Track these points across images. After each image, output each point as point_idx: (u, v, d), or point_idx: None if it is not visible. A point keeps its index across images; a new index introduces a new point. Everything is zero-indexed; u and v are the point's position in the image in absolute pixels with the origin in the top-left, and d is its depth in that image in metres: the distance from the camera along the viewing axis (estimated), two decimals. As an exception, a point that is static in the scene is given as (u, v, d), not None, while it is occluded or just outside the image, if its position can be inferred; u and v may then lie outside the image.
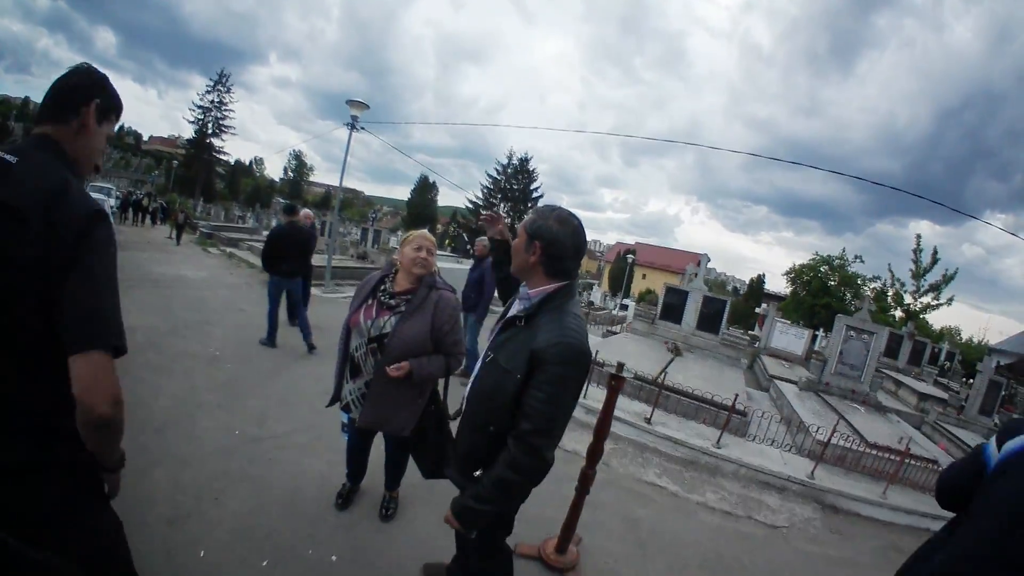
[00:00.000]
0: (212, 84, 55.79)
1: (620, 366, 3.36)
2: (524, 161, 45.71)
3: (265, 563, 2.64)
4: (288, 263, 6.44)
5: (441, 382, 2.80)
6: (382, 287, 2.71)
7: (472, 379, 1.95)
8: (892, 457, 5.79)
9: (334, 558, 2.78)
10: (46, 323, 1.19)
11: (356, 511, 3.24)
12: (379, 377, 2.54)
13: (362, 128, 12.41)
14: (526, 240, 1.80)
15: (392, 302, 2.63)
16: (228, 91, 56.39)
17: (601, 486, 3.85)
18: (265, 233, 14.17)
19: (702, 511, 4.48)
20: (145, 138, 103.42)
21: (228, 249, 17.25)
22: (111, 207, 20.35)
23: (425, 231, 2.75)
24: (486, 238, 6.38)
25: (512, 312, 1.89)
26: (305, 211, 7.70)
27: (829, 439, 5.61)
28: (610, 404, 3.22)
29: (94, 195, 2.10)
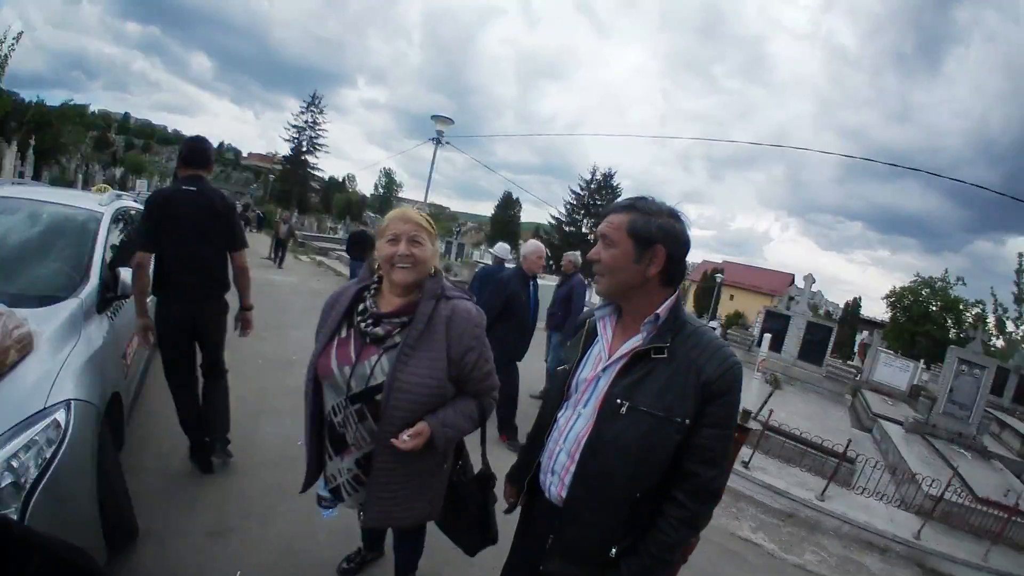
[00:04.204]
0: (305, 105, 58.51)
1: (747, 414, 2.87)
2: (608, 176, 45.04)
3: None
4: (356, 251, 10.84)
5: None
6: (360, 308, 1.77)
7: (590, 436, 1.43)
8: (999, 514, 5.20)
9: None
10: (227, 242, 3.08)
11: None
12: (383, 456, 1.68)
13: (447, 143, 12.55)
14: (635, 247, 1.37)
15: (379, 331, 1.69)
16: (321, 112, 58.99)
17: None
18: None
19: (799, 575, 4.07)
20: (244, 154, 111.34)
21: (318, 257, 18.03)
22: None
23: (405, 208, 1.80)
24: (575, 253, 6.03)
25: (630, 344, 1.43)
26: None
27: (942, 495, 5.15)
28: (730, 464, 2.59)
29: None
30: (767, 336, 5.32)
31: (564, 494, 1.46)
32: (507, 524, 1.95)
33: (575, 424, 1.48)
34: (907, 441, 7.86)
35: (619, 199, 1.50)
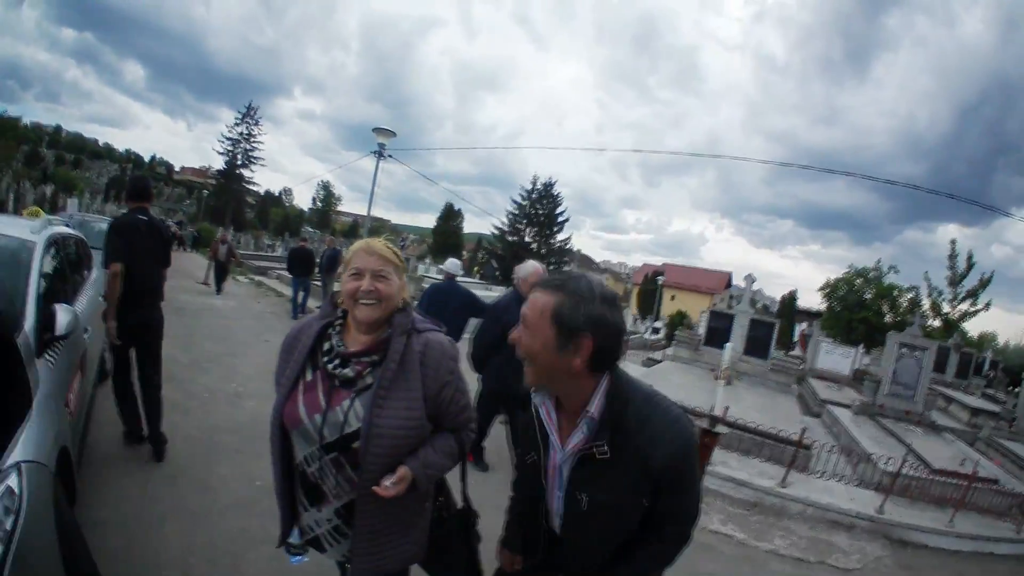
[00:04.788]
0: (240, 116, 56.91)
1: (714, 421, 2.89)
2: (548, 186, 45.34)
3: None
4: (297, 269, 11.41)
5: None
6: (325, 347, 1.63)
7: (561, 526, 1.51)
8: (958, 483, 5.58)
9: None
10: (165, 262, 3.88)
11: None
12: (366, 506, 1.55)
13: (389, 156, 12.36)
14: (557, 336, 1.24)
15: (348, 373, 1.55)
16: (256, 123, 57.53)
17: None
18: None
19: (773, 560, 4.23)
20: (176, 168, 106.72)
21: (257, 277, 17.31)
22: None
23: (370, 240, 1.65)
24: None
25: (575, 442, 1.37)
26: (329, 237, 8.29)
27: (899, 470, 5.38)
28: (700, 467, 2.65)
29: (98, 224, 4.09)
30: (728, 345, 5.44)
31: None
32: (493, 562, 1.89)
33: (556, 504, 1.51)
34: (856, 423, 8.25)
35: (549, 277, 1.35)
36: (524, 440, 1.56)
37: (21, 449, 1.64)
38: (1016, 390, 12.80)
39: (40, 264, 2.65)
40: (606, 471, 1.31)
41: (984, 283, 23.20)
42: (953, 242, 23.84)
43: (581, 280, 1.28)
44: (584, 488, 1.36)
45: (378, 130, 12.00)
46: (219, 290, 13.15)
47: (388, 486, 1.46)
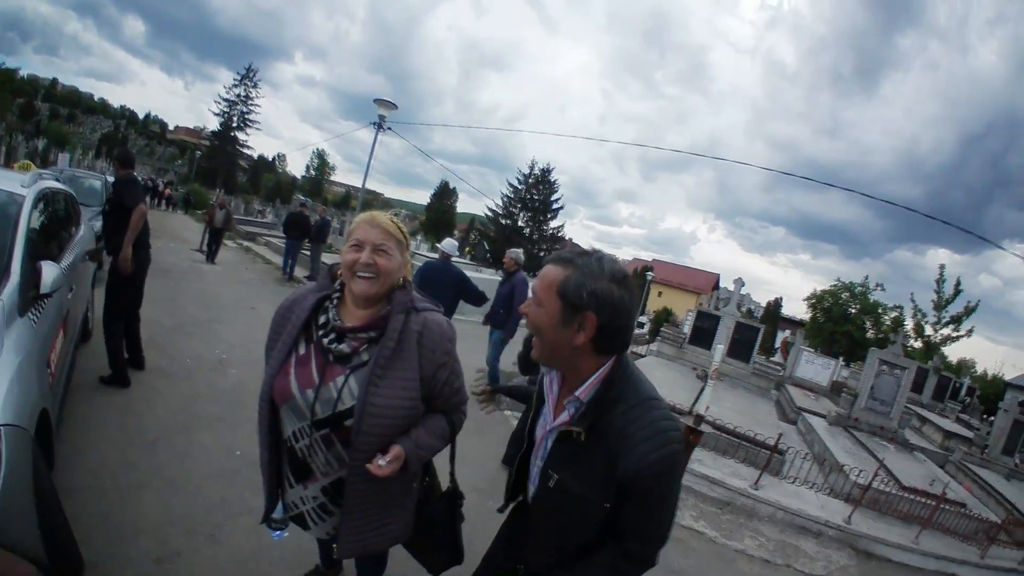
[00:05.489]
0: (239, 78, 56.11)
1: (699, 419, 2.90)
2: (546, 172, 45.15)
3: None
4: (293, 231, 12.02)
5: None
6: (320, 320, 1.57)
7: (532, 497, 1.50)
8: (927, 502, 5.66)
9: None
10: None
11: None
12: (355, 484, 1.53)
13: (388, 128, 12.18)
14: (562, 310, 1.22)
15: (344, 348, 1.50)
16: (255, 86, 56.72)
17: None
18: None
19: (741, 559, 4.31)
20: (171, 127, 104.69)
21: (245, 243, 17.10)
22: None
23: (375, 212, 1.60)
24: (518, 250, 5.88)
25: (560, 419, 1.36)
26: (321, 207, 8.44)
27: (870, 483, 5.55)
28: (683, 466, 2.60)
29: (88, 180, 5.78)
30: (719, 347, 5.44)
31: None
32: (473, 543, 1.94)
33: (533, 474, 1.51)
34: (831, 433, 8.35)
35: (561, 251, 1.31)
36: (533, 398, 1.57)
37: (0, 412, 1.60)
38: (990, 418, 13.04)
39: (28, 219, 2.58)
40: (579, 457, 1.30)
41: (969, 310, 23.47)
42: (942, 267, 24.01)
43: (592, 256, 1.24)
44: (556, 467, 1.35)
45: (379, 101, 11.80)
46: (213, 258, 12.10)
47: (382, 465, 1.43)
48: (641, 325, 25.98)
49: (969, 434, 11.86)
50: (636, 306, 1.26)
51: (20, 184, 2.81)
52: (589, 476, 1.28)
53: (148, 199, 24.54)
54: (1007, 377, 30.15)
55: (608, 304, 1.19)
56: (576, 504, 1.32)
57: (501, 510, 1.73)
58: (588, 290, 1.19)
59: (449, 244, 6.09)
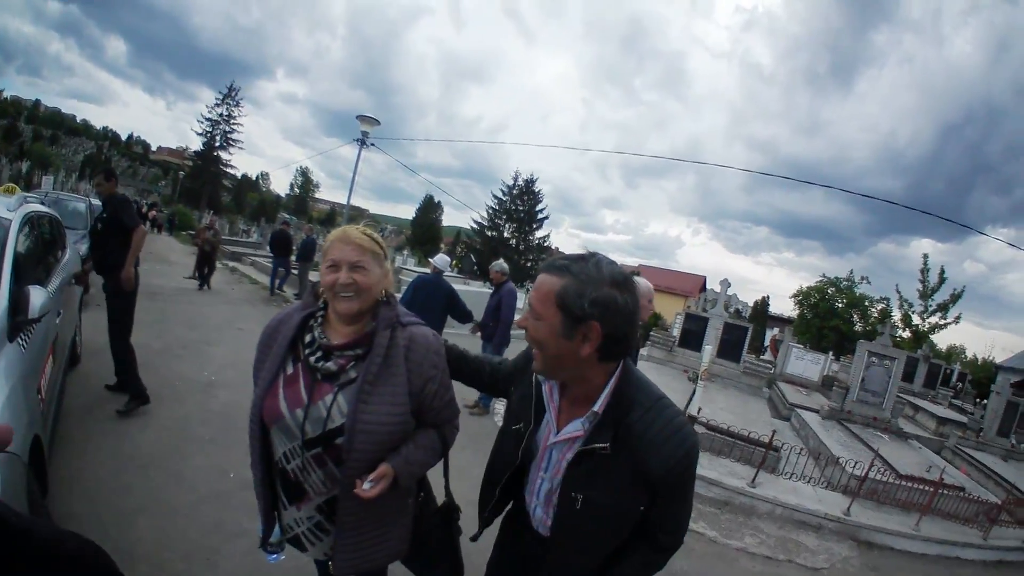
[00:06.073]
0: (221, 97, 55.77)
1: (691, 420, 2.91)
2: (530, 182, 45.16)
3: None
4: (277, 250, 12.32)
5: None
6: (307, 339, 1.57)
7: (552, 524, 1.41)
8: (925, 488, 5.70)
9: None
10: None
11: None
12: (348, 502, 1.50)
13: (371, 144, 12.19)
14: (564, 322, 1.17)
15: (331, 366, 1.49)
16: (237, 105, 56.40)
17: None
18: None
19: (743, 558, 4.32)
20: (153, 148, 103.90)
21: (231, 263, 16.98)
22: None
23: (348, 228, 1.58)
24: (501, 262, 5.94)
25: (570, 431, 1.32)
26: (307, 225, 8.46)
27: (866, 474, 5.51)
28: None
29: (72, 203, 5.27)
30: (708, 348, 5.52)
31: (548, 534, 1.44)
32: (472, 556, 1.91)
33: (542, 486, 1.44)
34: (825, 427, 8.40)
35: (555, 258, 1.25)
36: (517, 410, 1.51)
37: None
38: (983, 401, 13.17)
39: (15, 243, 2.56)
40: (605, 471, 1.26)
41: (955, 297, 23.76)
42: (925, 256, 24.30)
43: (589, 261, 1.19)
44: (580, 487, 1.30)
45: (362, 118, 11.81)
46: (208, 284, 11.54)
47: (366, 488, 1.41)
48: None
49: (963, 419, 11.94)
50: (638, 307, 1.22)
51: (6, 208, 2.79)
52: (618, 486, 1.26)
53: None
54: (997, 360, 30.27)
55: (612, 311, 1.15)
56: (610, 517, 1.31)
57: (475, 539, 1.69)
58: (589, 299, 1.14)
59: (441, 260, 6.21)
